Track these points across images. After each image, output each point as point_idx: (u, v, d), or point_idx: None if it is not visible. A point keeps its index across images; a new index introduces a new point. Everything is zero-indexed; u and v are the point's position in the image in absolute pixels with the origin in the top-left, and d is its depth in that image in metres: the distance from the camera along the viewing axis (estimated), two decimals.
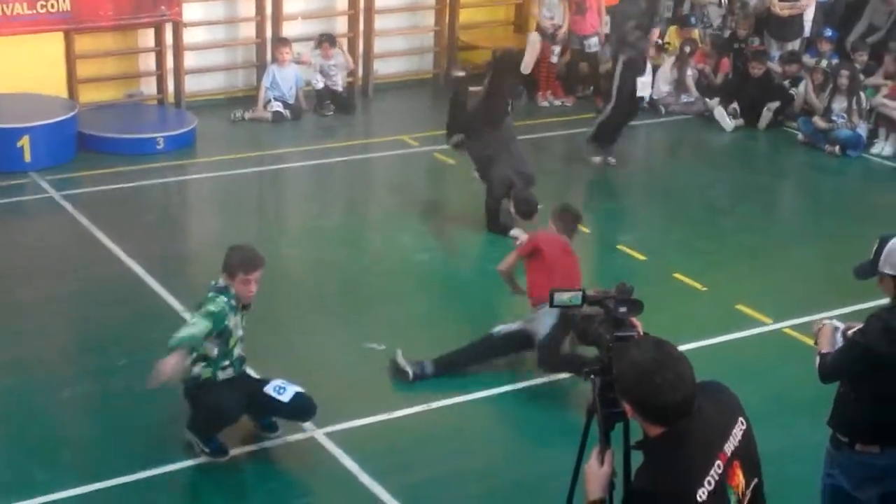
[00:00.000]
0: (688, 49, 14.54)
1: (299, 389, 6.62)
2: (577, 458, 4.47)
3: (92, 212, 10.22)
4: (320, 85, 13.75)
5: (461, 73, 11.80)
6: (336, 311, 8.61)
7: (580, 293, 4.51)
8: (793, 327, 8.44)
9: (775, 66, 14.38)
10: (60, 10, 12.32)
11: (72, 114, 11.85)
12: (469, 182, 10.59)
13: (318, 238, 10.25)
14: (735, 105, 13.87)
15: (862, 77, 13.41)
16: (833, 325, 5.13)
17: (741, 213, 11.19)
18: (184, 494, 6.42)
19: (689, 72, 14.40)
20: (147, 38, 13.31)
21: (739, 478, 3.60)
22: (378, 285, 9.13)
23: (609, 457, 3.92)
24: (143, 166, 11.53)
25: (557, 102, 14.67)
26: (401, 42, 15.24)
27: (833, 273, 9.16)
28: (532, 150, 12.18)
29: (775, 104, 13.66)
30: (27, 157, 11.30)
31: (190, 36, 13.46)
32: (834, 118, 12.99)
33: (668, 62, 14.70)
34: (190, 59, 13.53)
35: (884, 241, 4.92)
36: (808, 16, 14.97)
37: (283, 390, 6.58)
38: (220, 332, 6.41)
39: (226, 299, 6.42)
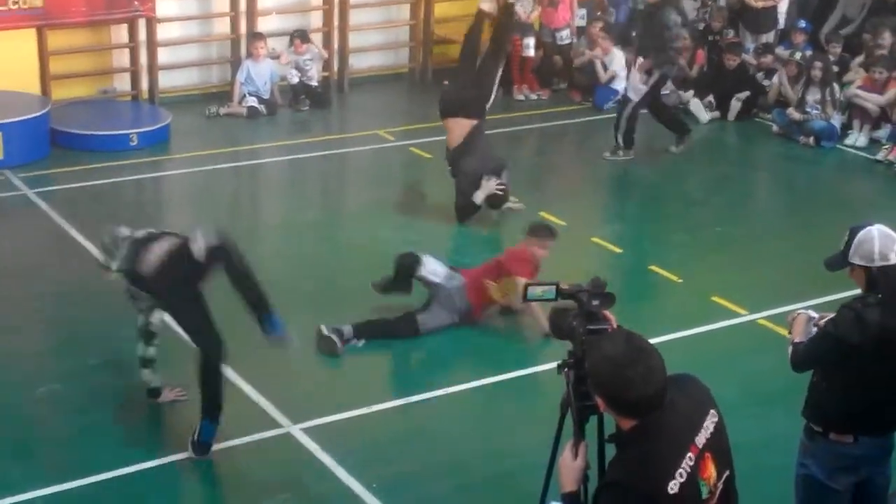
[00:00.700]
0: None
1: None
2: (551, 452, 4.48)
3: (66, 209, 10.17)
4: (295, 80, 13.71)
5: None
6: (313, 307, 8.58)
7: (554, 287, 4.51)
8: (768, 318, 8.48)
9: (750, 58, 14.43)
10: (33, 6, 12.25)
11: (45, 111, 11.78)
12: (445, 176, 10.57)
13: (295, 233, 10.22)
14: (710, 97, 13.92)
15: (835, 68, 13.47)
16: (807, 314, 5.15)
17: (716, 204, 11.23)
18: (160, 492, 6.39)
19: None
20: (120, 34, 13.24)
21: (711, 470, 3.61)
22: (355, 280, 9.10)
23: (583, 450, 3.93)
24: (118, 163, 11.48)
25: (533, 96, 14.68)
26: (376, 36, 15.21)
27: (808, 264, 9.13)
28: (509, 144, 12.20)
29: (744, 94, 13.71)
30: (0, 155, 11.23)
31: (164, 32, 13.39)
32: (808, 109, 13.04)
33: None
34: (164, 55, 13.46)
35: (854, 232, 4.94)
36: (782, 8, 15.04)
37: None
38: None
39: None
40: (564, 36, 14.87)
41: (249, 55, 13.51)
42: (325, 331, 7.86)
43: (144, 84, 13.31)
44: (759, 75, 14.16)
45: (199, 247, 6.53)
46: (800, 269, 9.31)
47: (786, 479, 5.29)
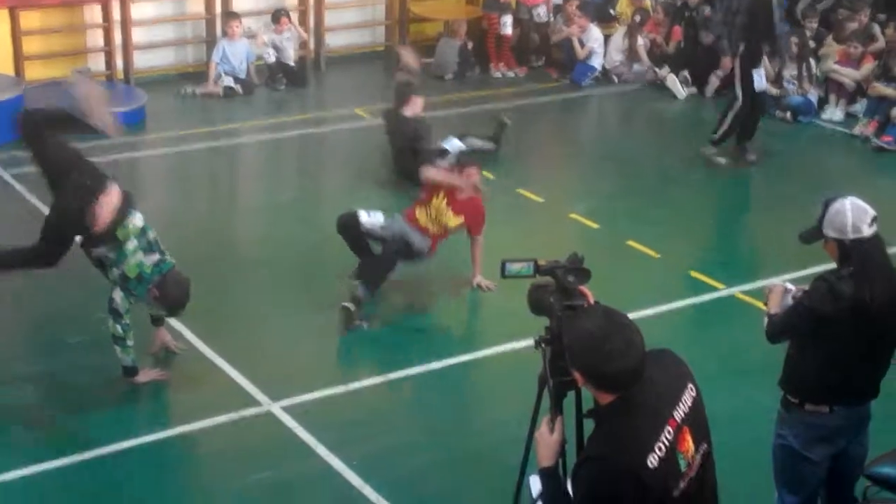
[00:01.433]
0: (639, 18, 14.58)
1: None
2: (529, 427, 4.49)
3: (41, 190, 10.05)
4: (272, 59, 13.66)
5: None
6: (290, 286, 8.58)
7: (532, 263, 4.51)
8: (745, 292, 8.52)
9: None
10: None
11: (19, 92, 11.69)
12: None
13: (272, 213, 10.19)
14: (686, 73, 13.93)
15: (812, 43, 13.49)
16: (783, 286, 5.17)
17: (693, 180, 11.26)
18: (140, 471, 6.37)
19: (641, 41, 14.44)
20: (94, 13, 13.16)
21: (689, 444, 3.63)
22: (332, 259, 9.09)
23: (559, 424, 3.95)
24: (93, 143, 11.28)
25: (510, 74, 14.68)
26: (352, 15, 15.16)
27: (784, 238, 9.14)
28: (486, 122, 12.17)
29: (723, 71, 13.72)
30: None
31: (138, 11, 13.31)
32: (785, 84, 13.07)
33: (619, 31, 14.74)
34: (138, 35, 13.38)
35: (827, 205, 4.96)
36: None
37: None
38: None
39: None
40: (542, 13, 14.87)
41: (225, 34, 13.45)
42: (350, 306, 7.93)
43: (119, 64, 13.23)
44: None
45: None
46: (777, 244, 9.35)
47: (763, 450, 5.33)
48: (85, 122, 7.06)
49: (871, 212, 4.92)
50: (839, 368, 4.90)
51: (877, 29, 13.63)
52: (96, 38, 13.28)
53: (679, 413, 3.64)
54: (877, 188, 9.97)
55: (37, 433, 6.70)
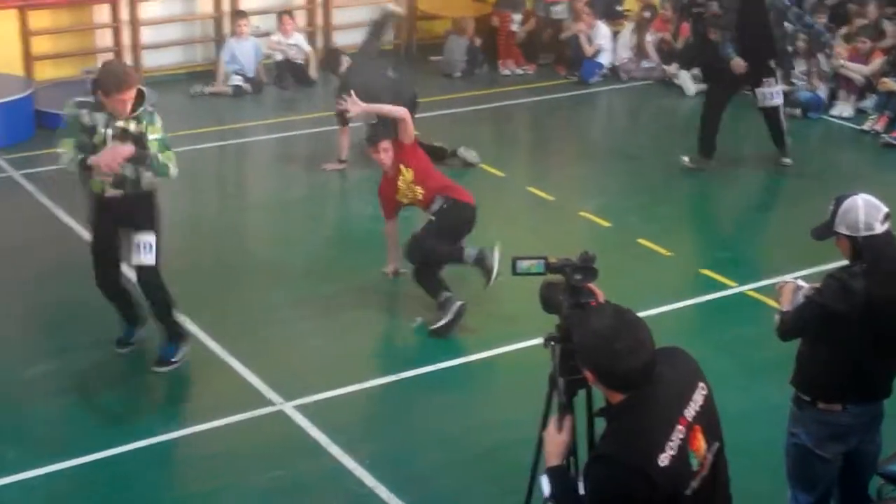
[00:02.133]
0: (647, 15, 14.56)
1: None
2: (540, 426, 4.50)
3: (52, 190, 10.14)
4: (279, 56, 13.68)
5: None
6: (301, 285, 8.59)
7: (543, 261, 4.50)
8: (756, 290, 8.50)
9: None
10: None
11: (28, 92, 11.74)
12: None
13: (282, 211, 10.21)
14: (696, 70, 13.92)
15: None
16: (795, 283, 5.15)
17: (704, 177, 11.23)
18: (153, 470, 6.39)
19: (649, 37, 14.42)
20: (103, 13, 13.18)
21: (700, 442, 3.62)
22: (342, 257, 9.12)
23: (568, 423, 3.95)
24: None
25: (519, 71, 14.68)
26: (360, 13, 15.13)
27: (795, 235, 9.13)
28: (495, 119, 12.18)
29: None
30: None
31: (146, 11, 13.33)
32: (794, 81, 13.05)
33: (628, 28, 14.73)
34: (147, 35, 13.40)
35: (839, 201, 4.95)
36: None
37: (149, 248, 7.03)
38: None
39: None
40: (559, 10, 14.86)
41: (233, 34, 13.46)
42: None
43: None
44: None
45: None
46: (788, 241, 9.33)
47: (776, 448, 5.32)
48: None
49: (884, 208, 4.91)
50: (851, 366, 4.89)
51: (886, 24, 13.59)
52: (105, 37, 13.32)
53: (690, 412, 3.63)
54: (887, 184, 9.95)
55: (52, 433, 6.71)
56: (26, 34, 12.56)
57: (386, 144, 8.18)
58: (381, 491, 6.11)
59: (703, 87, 13.84)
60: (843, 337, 4.86)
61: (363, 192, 10.35)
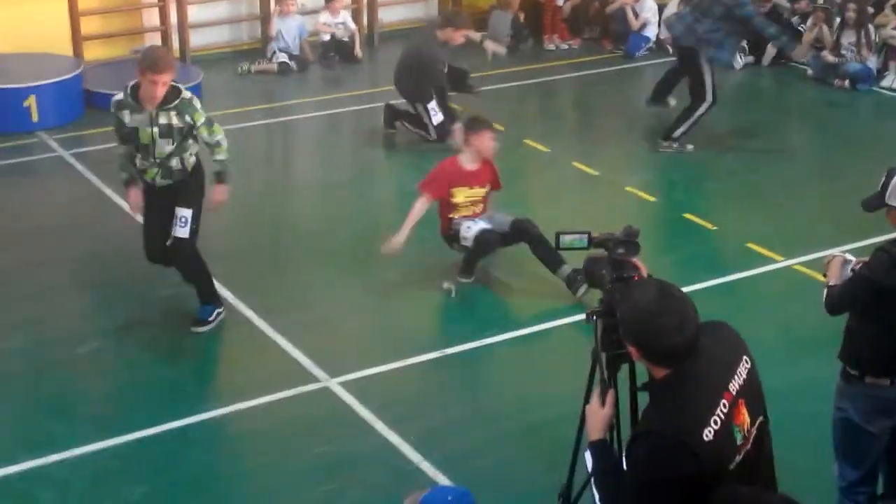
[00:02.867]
0: None
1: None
2: (583, 402, 4.49)
3: (101, 169, 10.23)
4: (327, 37, 13.70)
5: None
6: (347, 262, 8.63)
7: (586, 235, 4.50)
8: (803, 264, 8.44)
9: (783, 3, 14.25)
10: None
11: (77, 72, 11.84)
12: None
13: (328, 189, 10.25)
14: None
15: (871, 10, 13.28)
16: (843, 257, 5.11)
17: (750, 150, 11.14)
18: (199, 447, 6.46)
19: None
20: None
21: (745, 416, 3.61)
22: (388, 234, 9.13)
23: (610, 398, 3.94)
24: None
25: (564, 46, 14.60)
26: None
27: (844, 208, 9.08)
28: (540, 95, 12.11)
29: None
30: (34, 117, 11.31)
31: None
32: (843, 52, 12.89)
33: (674, 1, 14.57)
34: (194, 13, 13.48)
35: (892, 173, 4.88)
36: None
37: (185, 222, 7.24)
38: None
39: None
40: None
41: (279, 13, 13.50)
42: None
43: (175, 43, 13.34)
44: (795, 19, 13.99)
45: None
46: (835, 214, 9.25)
47: (822, 423, 5.28)
48: None
49: None
50: None
51: None
52: (152, 17, 13.40)
53: (734, 385, 3.61)
54: None
55: (101, 410, 6.80)
56: (75, 14, 12.66)
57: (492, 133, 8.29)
58: (426, 467, 6.14)
59: (750, 59, 13.72)
60: (892, 311, 4.81)
61: (409, 170, 10.37)
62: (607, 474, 3.85)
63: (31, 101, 11.28)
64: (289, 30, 13.41)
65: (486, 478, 6.03)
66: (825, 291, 5.03)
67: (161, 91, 7.01)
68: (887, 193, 4.88)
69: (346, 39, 13.81)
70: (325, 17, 13.76)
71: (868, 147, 11.10)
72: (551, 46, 14.54)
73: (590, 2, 14.89)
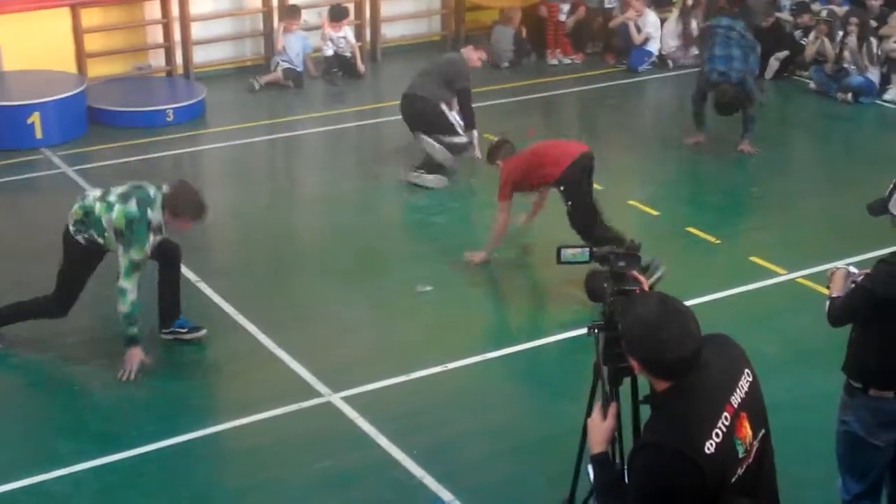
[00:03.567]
0: (691, 1, 14.45)
1: None
2: (585, 415, 4.49)
3: (105, 186, 10.19)
4: (329, 52, 13.74)
5: None
6: (350, 277, 8.63)
7: (587, 249, 4.51)
8: (806, 277, 8.43)
9: (786, 17, 14.28)
10: None
11: (81, 88, 11.87)
12: (480, 144, 10.56)
13: (332, 204, 10.25)
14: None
15: (874, 23, 13.30)
16: (846, 269, 5.11)
17: (753, 164, 11.14)
18: (202, 462, 6.46)
19: (695, 24, 14.30)
20: (153, 9, 13.30)
21: (747, 429, 3.60)
22: (393, 249, 9.15)
23: (612, 411, 3.93)
24: (154, 139, 11.56)
25: (567, 60, 14.63)
26: (408, 5, 15.17)
27: (847, 222, 9.14)
28: (544, 109, 12.11)
29: (783, 54, 13.59)
30: (38, 134, 11.34)
31: (196, 6, 13.43)
32: (845, 65, 12.90)
33: (673, 15, 14.62)
34: (197, 30, 13.51)
35: None
36: None
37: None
38: None
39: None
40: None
41: (284, 30, 13.55)
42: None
43: (179, 59, 13.38)
44: (798, 33, 14.02)
45: None
46: (839, 228, 9.25)
47: (826, 436, 5.27)
48: None
49: None
50: None
51: None
52: (156, 34, 13.44)
53: (736, 399, 3.60)
54: None
55: (105, 426, 6.79)
56: (78, 32, 12.69)
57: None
58: (429, 481, 6.13)
59: None
60: (894, 323, 4.80)
61: (413, 186, 10.37)
62: (609, 487, 3.84)
63: (35, 118, 11.31)
64: (291, 46, 13.45)
65: (488, 492, 6.03)
66: (827, 303, 5.03)
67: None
68: (890, 202, 4.89)
69: (347, 55, 13.84)
70: (327, 31, 13.78)
71: (871, 160, 11.10)
72: (554, 61, 14.57)
73: (593, 17, 14.93)
